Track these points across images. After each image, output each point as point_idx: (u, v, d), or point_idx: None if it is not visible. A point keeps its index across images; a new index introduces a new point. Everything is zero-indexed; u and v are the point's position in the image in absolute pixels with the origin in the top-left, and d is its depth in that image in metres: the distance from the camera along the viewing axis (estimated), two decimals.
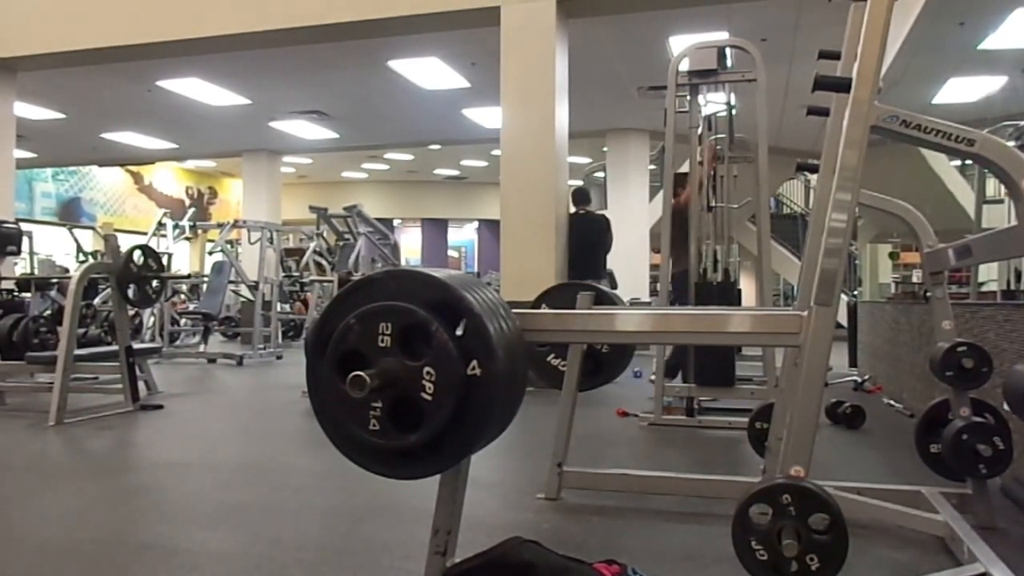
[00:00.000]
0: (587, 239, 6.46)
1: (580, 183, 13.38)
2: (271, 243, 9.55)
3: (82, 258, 10.93)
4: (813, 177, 3.81)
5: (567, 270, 6.34)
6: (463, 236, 21.59)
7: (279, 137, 12.02)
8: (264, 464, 3.55)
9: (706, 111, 5.08)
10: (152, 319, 9.04)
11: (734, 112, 5.38)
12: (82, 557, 2.21)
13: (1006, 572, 1.86)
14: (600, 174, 11.93)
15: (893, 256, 17.27)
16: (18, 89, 8.07)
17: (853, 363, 7.20)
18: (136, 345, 5.29)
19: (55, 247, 13.10)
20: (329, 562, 2.15)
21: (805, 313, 1.53)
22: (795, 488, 1.40)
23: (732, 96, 5.25)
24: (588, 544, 2.27)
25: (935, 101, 8.75)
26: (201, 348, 8.71)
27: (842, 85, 1.65)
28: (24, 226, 7.80)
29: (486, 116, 10.17)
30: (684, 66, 4.61)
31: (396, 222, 18.52)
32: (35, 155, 13.03)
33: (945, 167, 11.97)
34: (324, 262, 11.61)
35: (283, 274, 10.86)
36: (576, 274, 6.21)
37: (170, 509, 2.76)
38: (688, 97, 4.78)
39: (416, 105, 9.89)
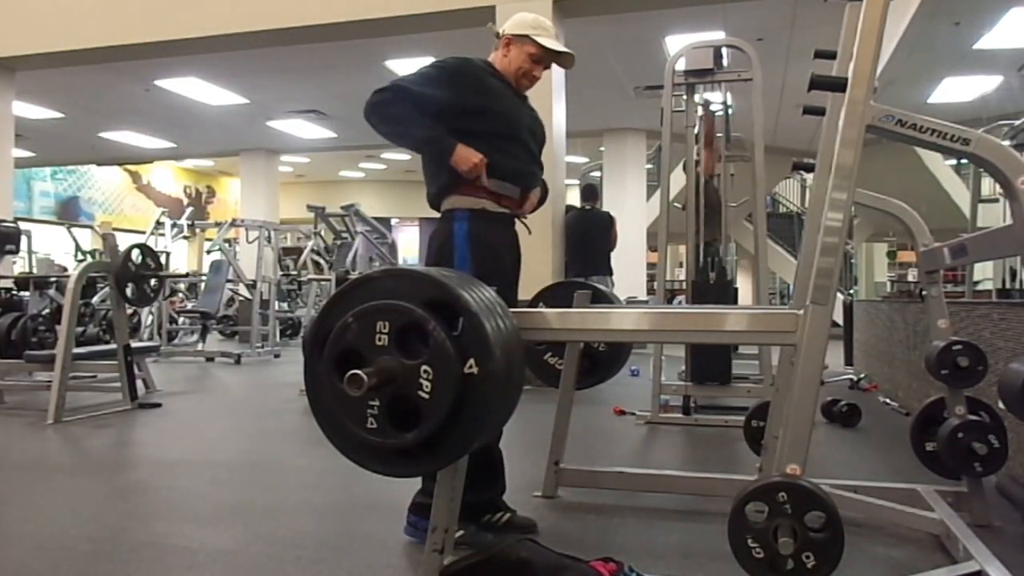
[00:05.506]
0: (591, 233, 6.56)
1: (576, 182, 13.38)
2: (269, 242, 9.54)
3: (80, 257, 10.90)
4: (809, 176, 3.82)
5: (571, 265, 6.42)
6: None
7: (277, 136, 12.01)
8: (262, 462, 3.55)
9: (702, 110, 5.09)
10: (150, 318, 9.03)
11: (730, 111, 5.39)
12: (80, 555, 2.22)
13: (1001, 570, 1.86)
14: (596, 173, 11.92)
15: (891, 255, 17.29)
16: (16, 88, 8.05)
17: (849, 361, 7.21)
18: (134, 343, 5.29)
19: (54, 246, 13.07)
20: (326, 560, 2.15)
21: (801, 312, 1.54)
22: (791, 486, 1.40)
23: (728, 95, 5.26)
24: (585, 542, 2.27)
25: (931, 100, 8.75)
26: (199, 346, 8.70)
27: (838, 85, 1.65)
28: (23, 225, 7.78)
29: None
30: (680, 66, 4.62)
31: (393, 221, 18.48)
32: (34, 154, 13.01)
33: (941, 166, 11.98)
34: (322, 261, 11.61)
35: (281, 273, 10.85)
36: (579, 268, 6.32)
37: (167, 507, 2.77)
38: (684, 96, 4.79)
39: None
